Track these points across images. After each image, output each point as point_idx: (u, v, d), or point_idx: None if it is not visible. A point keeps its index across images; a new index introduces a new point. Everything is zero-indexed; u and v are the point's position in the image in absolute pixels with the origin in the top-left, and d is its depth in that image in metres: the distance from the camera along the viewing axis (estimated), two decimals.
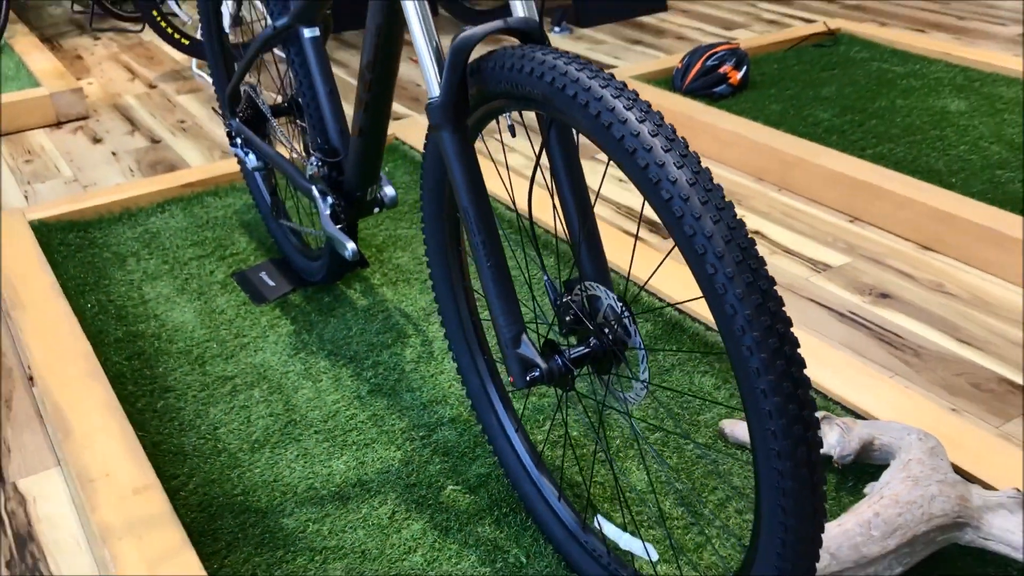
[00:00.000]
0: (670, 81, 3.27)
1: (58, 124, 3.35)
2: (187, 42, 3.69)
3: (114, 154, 3.08)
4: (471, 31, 1.11)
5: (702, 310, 1.94)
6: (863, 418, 1.62)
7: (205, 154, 3.04)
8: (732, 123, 2.79)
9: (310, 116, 1.72)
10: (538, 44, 1.12)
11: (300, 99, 1.74)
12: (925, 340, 1.95)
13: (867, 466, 1.52)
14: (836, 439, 1.49)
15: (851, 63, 3.42)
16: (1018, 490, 1.35)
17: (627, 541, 1.33)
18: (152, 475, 1.54)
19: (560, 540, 1.39)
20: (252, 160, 2.08)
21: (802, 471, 0.90)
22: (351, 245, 1.63)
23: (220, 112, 2.34)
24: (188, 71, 3.86)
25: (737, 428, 1.61)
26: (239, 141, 2.09)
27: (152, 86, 3.72)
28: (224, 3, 2.12)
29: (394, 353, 1.91)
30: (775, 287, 0.92)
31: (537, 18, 1.15)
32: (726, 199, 0.92)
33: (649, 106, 0.97)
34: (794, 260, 2.25)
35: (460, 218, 1.18)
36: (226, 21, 2.16)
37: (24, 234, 2.33)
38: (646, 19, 4.32)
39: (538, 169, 2.61)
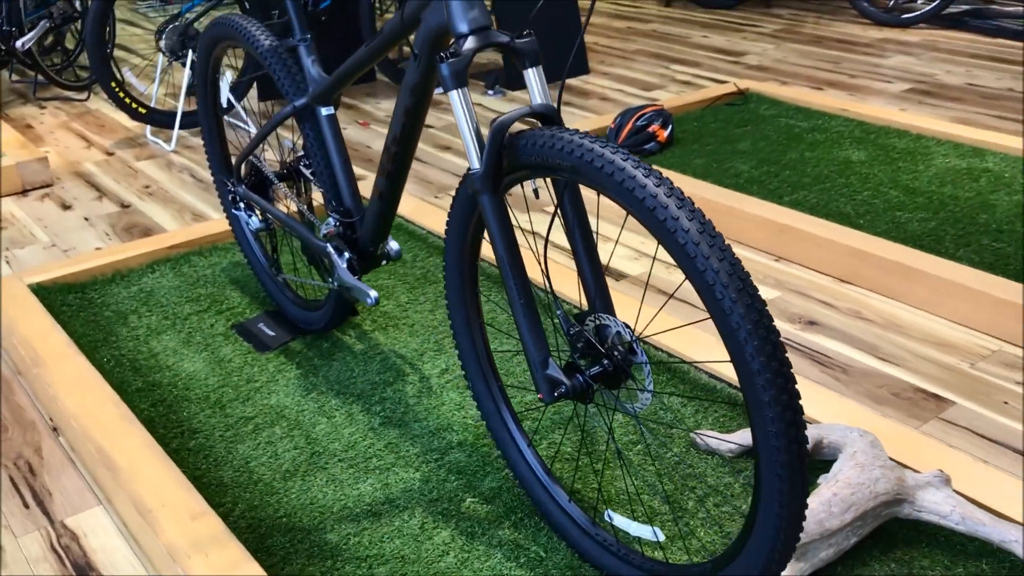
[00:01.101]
0: (604, 140, 3.59)
1: (24, 192, 3.49)
2: (144, 111, 3.87)
3: (87, 219, 3.24)
4: (506, 116, 1.39)
5: (693, 340, 2.23)
6: (809, 423, 1.93)
7: (177, 217, 3.22)
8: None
9: (324, 183, 1.96)
10: (556, 125, 1.41)
11: (314, 168, 1.98)
12: (850, 359, 2.28)
13: (818, 462, 1.82)
14: None
15: (761, 120, 3.82)
16: (941, 471, 1.67)
17: (636, 528, 1.59)
18: (204, 503, 1.73)
19: (574, 537, 1.64)
20: (255, 222, 2.30)
21: (795, 457, 1.18)
22: (373, 293, 1.87)
23: (215, 179, 2.55)
24: (143, 138, 4.03)
25: (707, 437, 1.89)
26: (242, 205, 2.31)
27: (110, 153, 3.88)
28: (222, 79, 2.35)
29: (397, 390, 2.14)
30: (769, 317, 1.20)
31: (556, 105, 1.43)
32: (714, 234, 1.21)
33: (655, 170, 1.26)
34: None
35: (498, 265, 1.43)
36: (223, 97, 2.38)
37: (27, 297, 2.49)
38: (571, 81, 4.67)
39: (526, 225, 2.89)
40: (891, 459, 1.74)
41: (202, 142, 2.53)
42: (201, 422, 2.06)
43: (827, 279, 2.65)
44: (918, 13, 5.39)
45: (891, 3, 5.60)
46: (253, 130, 3.95)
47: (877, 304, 2.51)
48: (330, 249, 1.99)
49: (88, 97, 4.63)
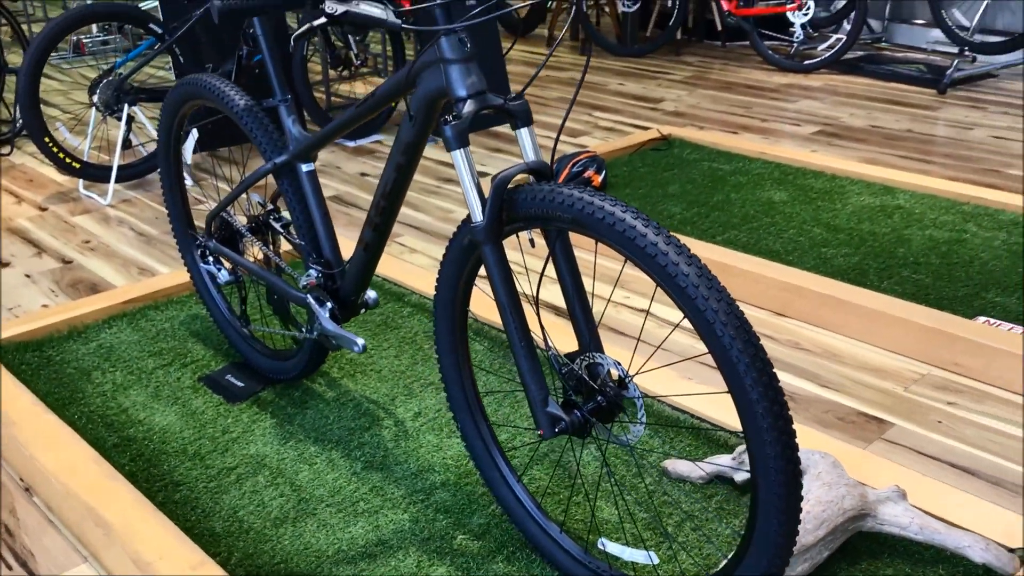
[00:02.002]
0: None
1: None
2: (78, 165, 3.84)
3: (28, 276, 3.21)
4: (506, 172, 1.50)
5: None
6: None
7: (122, 272, 3.22)
8: None
9: (304, 236, 2.03)
10: (548, 180, 1.52)
11: (294, 222, 2.04)
12: (794, 388, 2.44)
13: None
14: None
15: (686, 164, 4.02)
16: (897, 486, 1.82)
17: (630, 554, 1.69)
18: (202, 553, 1.77)
19: (568, 567, 1.73)
20: (224, 275, 2.34)
21: (792, 477, 1.31)
22: (360, 340, 1.94)
23: (176, 234, 2.58)
24: (75, 192, 4.00)
25: (677, 465, 2.01)
26: (211, 259, 2.35)
27: (43, 208, 3.84)
28: (190, 136, 2.39)
29: (374, 434, 2.21)
30: (761, 348, 1.33)
31: (549, 162, 1.55)
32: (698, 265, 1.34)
33: (651, 220, 1.38)
34: (678, 331, 2.71)
35: (499, 310, 1.53)
36: (187, 156, 2.42)
37: None
38: (500, 129, 4.82)
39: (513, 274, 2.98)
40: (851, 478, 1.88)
41: (161, 197, 2.57)
42: (183, 474, 2.08)
43: (764, 313, 2.82)
44: (818, 59, 5.74)
45: (792, 50, 5.94)
46: (188, 182, 3.96)
47: (813, 335, 2.69)
48: (310, 300, 2.05)
49: (11, 152, 4.56)
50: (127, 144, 3.90)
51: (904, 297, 2.77)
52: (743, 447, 1.99)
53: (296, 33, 1.27)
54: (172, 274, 2.97)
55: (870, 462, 2.02)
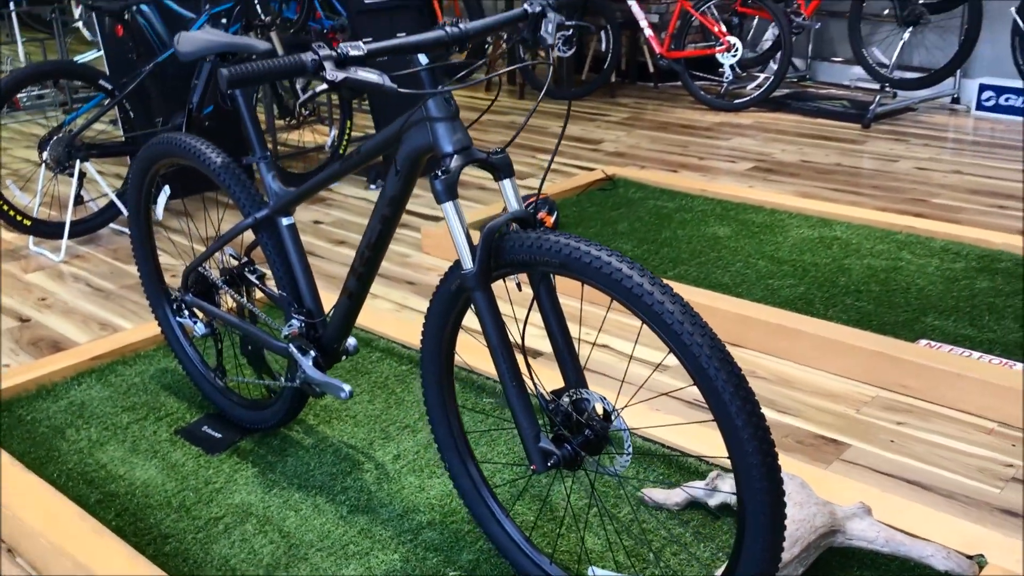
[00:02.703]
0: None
1: None
2: (29, 222, 3.83)
3: None
4: (494, 222, 1.60)
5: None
6: None
7: (83, 328, 3.22)
8: None
9: (285, 287, 2.09)
10: (533, 228, 1.62)
11: (274, 274, 2.10)
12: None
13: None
14: (730, 487, 2.02)
15: (632, 203, 4.16)
16: (863, 503, 1.94)
17: None
18: None
19: None
20: (200, 329, 2.38)
21: (776, 497, 1.41)
22: (347, 387, 2.00)
23: (146, 289, 2.62)
24: (25, 250, 3.98)
25: (654, 493, 2.11)
26: (186, 313, 2.39)
27: None
28: (162, 193, 2.44)
29: (356, 478, 2.26)
30: (743, 377, 1.43)
31: (532, 211, 1.65)
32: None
33: (635, 262, 1.48)
34: (636, 363, 2.82)
35: (491, 353, 1.61)
36: (159, 213, 2.46)
37: None
38: None
39: (498, 315, 3.04)
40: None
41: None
42: (170, 527, 2.11)
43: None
44: (748, 98, 5.98)
45: (722, 89, 6.18)
46: None
47: (767, 363, 2.82)
48: (293, 349, 2.11)
49: None
50: (79, 200, 3.90)
51: (849, 324, 2.93)
52: (715, 473, 2.10)
53: (302, 100, 1.35)
54: (138, 329, 2.99)
55: (832, 481, 2.14)
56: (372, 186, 4.65)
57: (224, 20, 4.09)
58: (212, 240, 2.27)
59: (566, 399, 1.66)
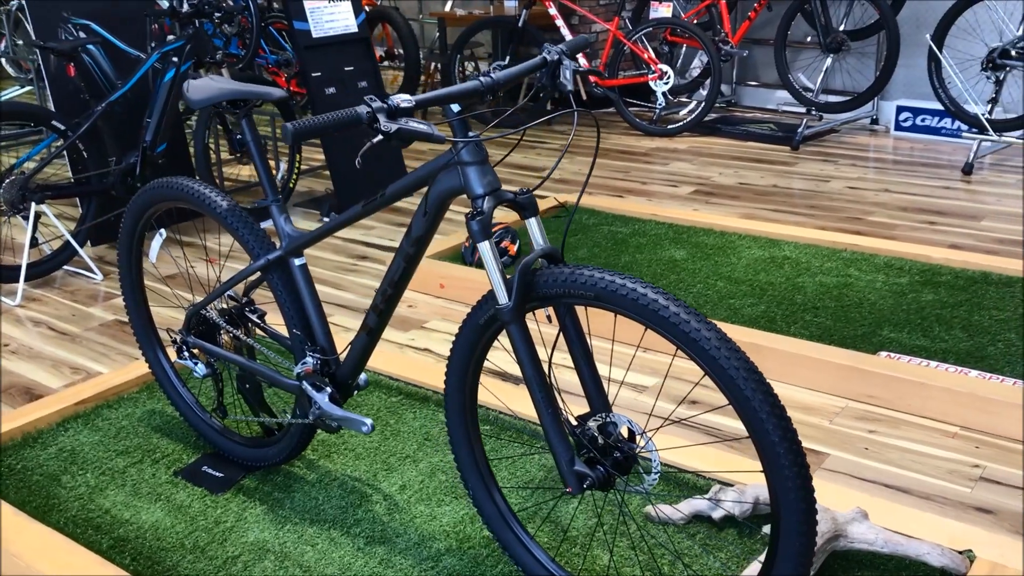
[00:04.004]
0: (460, 257, 3.92)
1: None
2: None
3: None
4: (528, 259, 1.69)
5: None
6: (741, 485, 2.29)
7: (55, 373, 3.18)
8: None
9: (297, 326, 2.13)
10: (558, 263, 1.72)
11: (285, 314, 2.14)
12: (737, 430, 2.68)
13: (758, 516, 2.18)
14: (735, 497, 2.14)
15: (587, 228, 4.29)
16: (859, 508, 2.07)
17: None
18: None
19: None
20: (201, 369, 2.40)
21: (810, 508, 1.52)
22: (368, 421, 2.05)
23: (136, 332, 2.62)
24: None
25: (659, 509, 2.21)
26: (187, 355, 2.41)
27: None
28: (157, 235, 2.45)
29: (367, 510, 2.30)
30: (776, 395, 1.54)
31: (560, 248, 1.74)
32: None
33: (662, 290, 1.59)
34: (622, 387, 2.93)
35: (526, 382, 1.69)
36: (153, 256, 2.47)
37: None
38: (402, 204, 4.98)
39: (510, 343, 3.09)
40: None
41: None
42: (188, 568, 2.12)
43: (691, 364, 3.07)
44: (681, 123, 6.19)
45: (655, 116, 6.39)
46: (97, 276, 3.93)
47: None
48: (307, 386, 2.15)
49: None
50: (34, 242, 3.85)
51: (811, 339, 3.09)
52: (717, 487, 2.21)
53: (361, 152, 1.41)
54: (119, 371, 2.97)
55: (823, 489, 2.28)
56: (325, 218, 4.68)
57: (175, 59, 4.09)
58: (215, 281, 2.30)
59: (593, 423, 1.76)
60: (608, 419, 1.74)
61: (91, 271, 4.02)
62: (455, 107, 1.70)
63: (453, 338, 1.92)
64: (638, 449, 1.74)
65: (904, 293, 3.43)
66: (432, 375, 2.91)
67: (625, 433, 1.76)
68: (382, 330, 2.04)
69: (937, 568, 1.98)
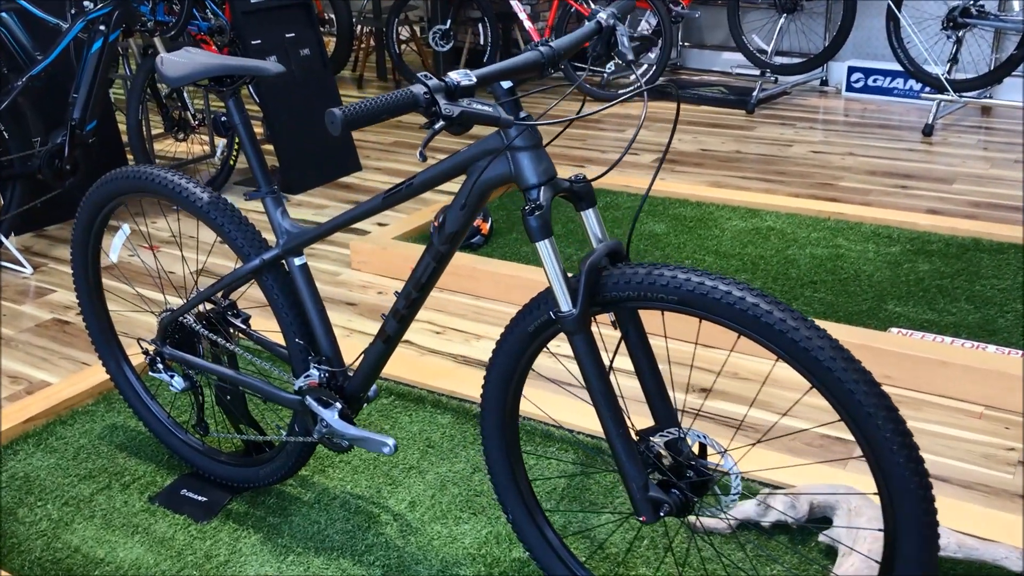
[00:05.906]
0: (428, 237, 3.66)
1: None
2: None
3: None
4: (593, 259, 1.46)
5: None
6: (787, 490, 2.12)
7: None
8: (508, 268, 3.26)
9: (297, 334, 1.87)
10: (624, 259, 1.50)
11: (282, 321, 1.87)
12: (755, 418, 2.51)
13: (815, 520, 2.01)
14: (784, 506, 1.97)
15: (558, 203, 4.07)
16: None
17: None
18: None
19: None
20: (179, 383, 2.12)
21: (932, 522, 1.35)
22: (391, 440, 1.79)
23: (96, 343, 2.31)
24: None
25: (704, 519, 2.03)
26: (160, 367, 2.12)
27: None
28: (120, 232, 2.14)
29: (377, 534, 2.06)
30: (897, 411, 1.35)
31: (625, 242, 1.52)
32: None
33: (759, 290, 1.38)
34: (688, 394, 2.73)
35: (593, 399, 1.48)
36: (113, 256, 2.16)
37: None
38: (348, 179, 4.68)
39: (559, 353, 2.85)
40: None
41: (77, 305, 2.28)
42: None
43: (690, 346, 2.89)
44: (631, 89, 5.99)
45: (602, 80, 6.17)
46: (27, 270, 3.57)
47: (747, 363, 2.79)
48: (311, 402, 1.89)
49: None
50: None
51: (816, 316, 2.94)
52: (766, 491, 2.03)
53: (424, 143, 1.16)
54: (69, 380, 2.65)
55: (865, 485, 2.12)
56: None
57: (102, 27, 3.70)
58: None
59: (659, 438, 1.55)
60: (680, 434, 1.54)
61: (20, 264, 3.64)
62: (505, 84, 1.45)
63: (494, 345, 1.69)
64: (715, 467, 1.54)
65: (899, 263, 3.31)
66: (423, 372, 2.67)
67: (697, 449, 1.56)
68: (400, 338, 1.79)
69: (1016, 574, 1.84)
